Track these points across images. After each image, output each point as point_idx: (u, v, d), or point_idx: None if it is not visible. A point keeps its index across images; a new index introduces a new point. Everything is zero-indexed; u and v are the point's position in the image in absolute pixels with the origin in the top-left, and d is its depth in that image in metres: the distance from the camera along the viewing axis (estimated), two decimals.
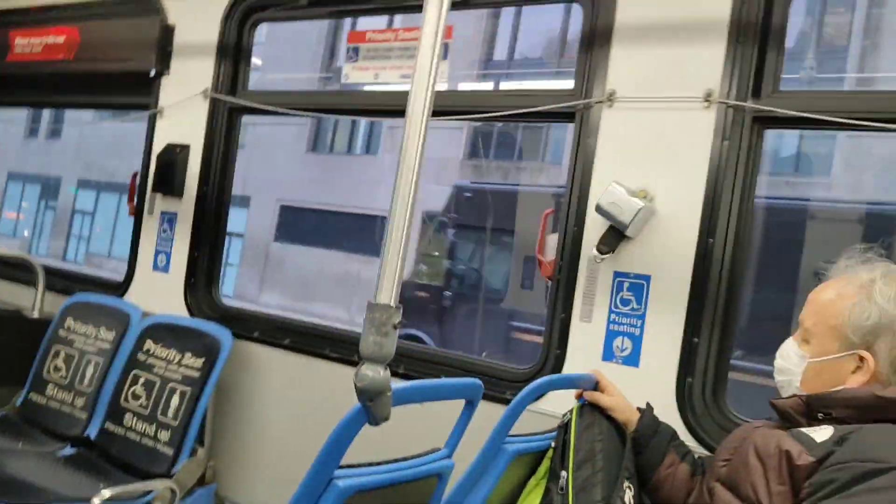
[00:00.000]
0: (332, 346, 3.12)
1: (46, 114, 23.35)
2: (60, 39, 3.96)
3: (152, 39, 3.62)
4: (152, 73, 3.63)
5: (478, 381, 1.74)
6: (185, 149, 3.53)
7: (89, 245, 24.48)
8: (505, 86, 15.70)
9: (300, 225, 19.56)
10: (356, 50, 3.14)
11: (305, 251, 19.03)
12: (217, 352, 3.14)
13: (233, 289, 20.31)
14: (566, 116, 2.65)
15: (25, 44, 4.14)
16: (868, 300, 1.58)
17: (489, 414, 1.88)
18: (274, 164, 19.38)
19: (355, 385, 1.28)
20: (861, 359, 1.58)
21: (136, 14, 3.75)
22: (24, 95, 4.68)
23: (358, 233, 17.99)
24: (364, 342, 1.27)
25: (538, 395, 1.89)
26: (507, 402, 1.92)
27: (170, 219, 3.60)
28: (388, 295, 1.27)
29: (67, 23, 3.98)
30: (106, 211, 24.77)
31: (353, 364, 2.94)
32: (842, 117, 2.17)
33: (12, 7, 2.85)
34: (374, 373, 1.27)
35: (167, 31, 3.63)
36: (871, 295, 1.59)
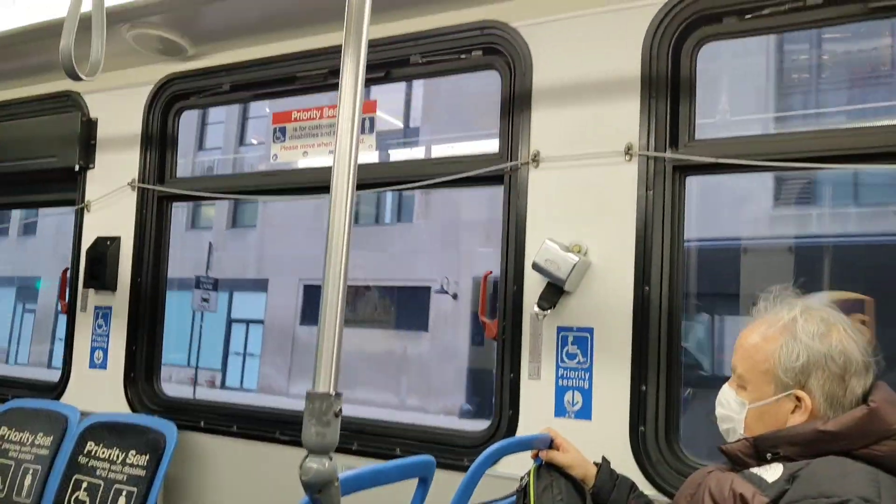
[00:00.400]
0: (281, 428, 3.04)
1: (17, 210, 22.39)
2: None
3: (74, 134, 3.58)
4: (77, 167, 3.58)
5: (430, 459, 1.72)
6: (115, 241, 3.47)
7: None
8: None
9: None
10: (283, 130, 3.15)
11: None
12: (162, 447, 3.04)
13: (256, 382, 19.09)
14: (495, 179, 2.70)
15: None
16: (793, 340, 1.62)
17: (447, 482, 1.86)
18: (293, 242, 18.31)
19: (301, 479, 1.25)
20: (798, 398, 1.61)
21: (56, 111, 3.72)
22: None
23: (398, 307, 17.08)
24: (306, 433, 1.24)
25: (493, 461, 1.88)
26: (464, 468, 1.90)
27: (104, 313, 3.50)
28: (327, 382, 1.24)
29: None
30: None
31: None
32: (754, 160, 2.27)
33: None
34: (319, 465, 1.23)
35: (90, 126, 3.60)
36: (795, 334, 1.62)
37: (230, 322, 20.73)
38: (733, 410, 1.70)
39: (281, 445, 3.01)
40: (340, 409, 1.24)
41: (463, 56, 2.81)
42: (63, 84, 3.70)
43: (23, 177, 3.82)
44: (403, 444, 2.76)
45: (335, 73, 2.99)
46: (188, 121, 3.52)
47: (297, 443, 2.91)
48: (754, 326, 1.71)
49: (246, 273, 19.86)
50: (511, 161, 2.62)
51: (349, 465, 1.64)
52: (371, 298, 17.63)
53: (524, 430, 2.52)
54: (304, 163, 3.25)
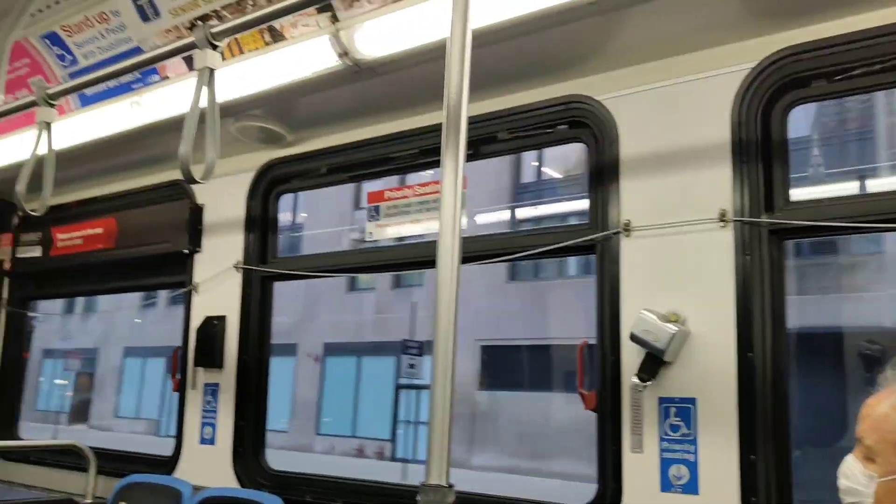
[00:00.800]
0: (384, 502, 3.07)
1: None
2: (99, 230, 4.19)
3: (183, 221, 3.82)
4: (186, 251, 3.80)
5: None
6: (221, 320, 3.64)
7: None
8: None
9: (511, 367, 16.75)
10: (377, 209, 3.28)
11: (525, 397, 16.08)
12: None
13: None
14: (587, 249, 2.72)
15: (66, 238, 4.38)
16: None
17: None
18: (466, 299, 17.22)
19: None
20: None
21: (167, 199, 3.98)
22: (68, 286, 4.89)
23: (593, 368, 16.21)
24: None
25: None
26: None
27: (213, 390, 3.65)
28: (439, 474, 1.27)
29: (105, 214, 4.23)
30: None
31: None
32: (854, 222, 2.22)
33: (52, 204, 3.08)
34: None
35: (197, 212, 3.83)
36: None
37: (397, 388, 19.59)
38: (860, 483, 1.63)
39: None
40: (455, 501, 1.26)
41: (549, 130, 2.88)
42: (173, 174, 3.98)
43: (140, 261, 4.09)
44: None
45: (426, 152, 3.13)
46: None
47: None
48: (882, 395, 1.65)
49: (413, 334, 18.59)
50: (602, 231, 2.64)
51: None
52: (562, 359, 16.26)
53: (629, 502, 2.47)
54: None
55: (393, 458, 18.76)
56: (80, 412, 27.78)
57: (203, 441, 3.65)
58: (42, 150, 2.77)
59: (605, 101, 2.70)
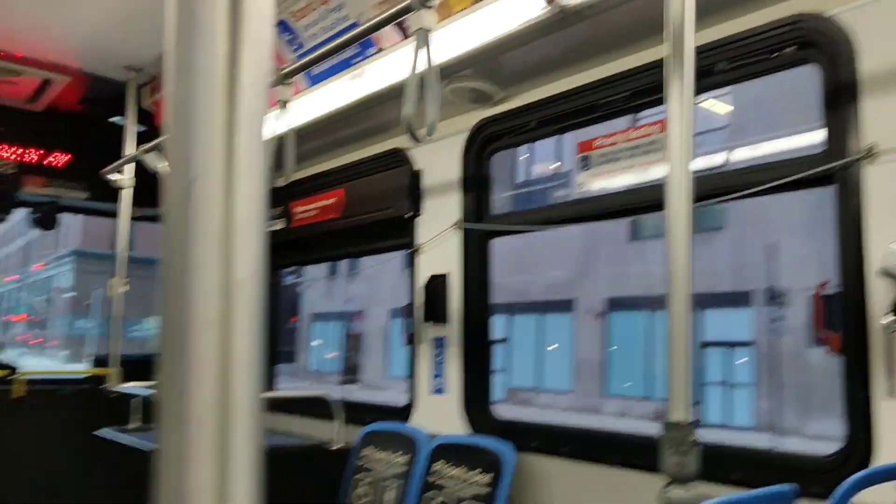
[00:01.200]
0: (611, 451, 3.07)
1: None
2: (331, 201, 4.56)
3: (405, 187, 4.04)
4: (408, 215, 4.02)
5: (790, 488, 1.62)
6: (444, 278, 3.81)
7: (508, 378, 21.81)
8: None
9: None
10: (586, 158, 3.24)
11: None
12: (501, 466, 3.23)
13: (749, 418, 16.02)
14: (821, 181, 2.50)
15: (302, 211, 4.82)
16: None
17: None
18: (781, 241, 15.04)
19: None
20: None
21: (388, 167, 4.23)
22: (307, 254, 5.38)
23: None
24: (666, 463, 1.24)
25: (857, 490, 1.72)
26: (812, 495, 1.77)
27: (440, 343, 3.85)
28: (682, 411, 1.24)
29: (334, 186, 4.58)
30: (527, 336, 22.47)
31: (635, 468, 2.85)
32: None
33: (292, 180, 3.41)
34: (681, 492, 1.23)
35: (416, 177, 4.03)
36: None
37: (702, 346, 17.60)
38: None
39: (611, 467, 3.04)
40: (699, 443, 1.23)
41: (773, 56, 2.67)
42: (392, 142, 4.21)
43: (367, 227, 4.40)
44: (738, 465, 2.63)
45: (638, 94, 3.04)
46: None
47: (626, 464, 2.94)
48: None
49: (717, 285, 16.22)
50: (840, 159, 2.41)
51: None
52: None
53: (883, 454, 2.26)
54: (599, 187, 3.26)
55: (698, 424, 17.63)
56: (351, 372, 29.56)
57: (434, 391, 3.87)
58: (281, 127, 3.05)
59: (839, 17, 2.45)
